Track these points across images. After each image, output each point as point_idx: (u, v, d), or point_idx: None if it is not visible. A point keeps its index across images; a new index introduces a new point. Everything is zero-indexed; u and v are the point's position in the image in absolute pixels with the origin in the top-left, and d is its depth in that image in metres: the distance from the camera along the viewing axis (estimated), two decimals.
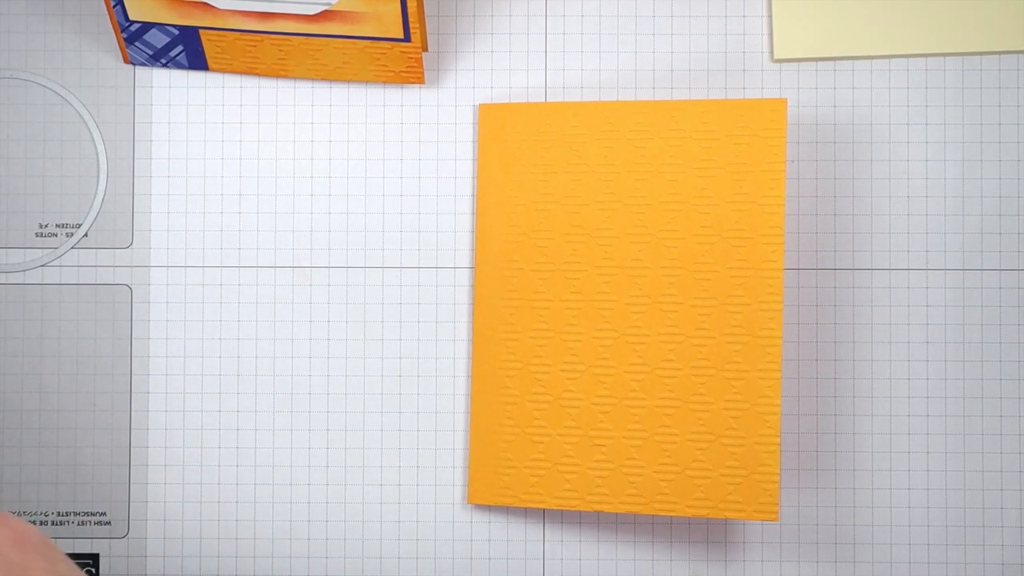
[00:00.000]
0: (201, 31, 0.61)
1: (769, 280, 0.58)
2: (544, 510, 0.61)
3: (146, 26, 0.61)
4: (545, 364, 0.60)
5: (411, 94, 0.63)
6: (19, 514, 0.62)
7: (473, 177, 0.63)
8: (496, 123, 0.62)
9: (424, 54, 0.63)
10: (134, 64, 0.63)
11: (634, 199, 0.60)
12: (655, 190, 0.60)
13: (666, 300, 0.59)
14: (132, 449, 0.62)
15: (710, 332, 0.59)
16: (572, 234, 0.61)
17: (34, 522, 0.62)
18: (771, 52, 0.63)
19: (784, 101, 0.59)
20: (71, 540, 0.62)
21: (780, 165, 0.59)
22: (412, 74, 0.62)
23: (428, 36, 0.63)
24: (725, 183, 0.59)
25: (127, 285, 0.63)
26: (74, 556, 0.62)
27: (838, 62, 0.63)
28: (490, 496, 0.60)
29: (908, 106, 0.63)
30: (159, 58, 0.63)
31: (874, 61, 0.63)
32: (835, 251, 0.63)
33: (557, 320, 0.60)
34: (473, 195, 0.63)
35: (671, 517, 0.62)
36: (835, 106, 0.63)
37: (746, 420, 0.58)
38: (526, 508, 0.61)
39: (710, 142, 0.60)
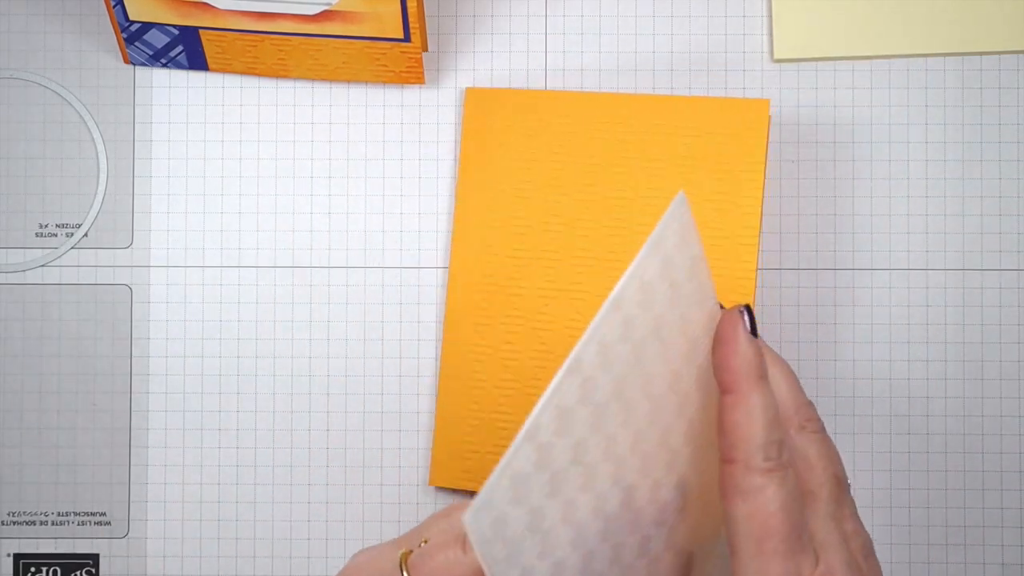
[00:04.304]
0: (201, 31, 0.61)
1: (742, 280, 0.58)
2: None
3: (146, 26, 0.61)
4: (515, 351, 0.60)
5: (411, 94, 0.63)
6: (19, 514, 0.62)
7: None
8: (481, 107, 0.62)
9: (424, 54, 0.63)
10: (134, 64, 0.63)
11: (614, 191, 0.60)
12: (635, 183, 0.60)
13: None
14: (132, 449, 0.62)
15: None
16: (550, 223, 0.61)
17: (34, 522, 0.62)
18: (771, 52, 0.63)
19: (767, 102, 0.59)
20: (71, 540, 0.62)
21: (760, 167, 0.59)
22: (412, 74, 0.62)
23: (428, 36, 0.63)
24: (705, 181, 0.59)
25: (127, 285, 0.63)
26: (74, 556, 0.62)
27: (838, 62, 0.63)
28: (451, 480, 0.60)
29: (908, 106, 0.63)
30: (159, 58, 0.63)
31: (874, 61, 0.63)
32: (835, 251, 0.63)
33: (530, 308, 0.60)
34: None
35: None
36: (835, 106, 0.63)
37: None
38: None
39: (692, 139, 0.59)
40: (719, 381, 0.43)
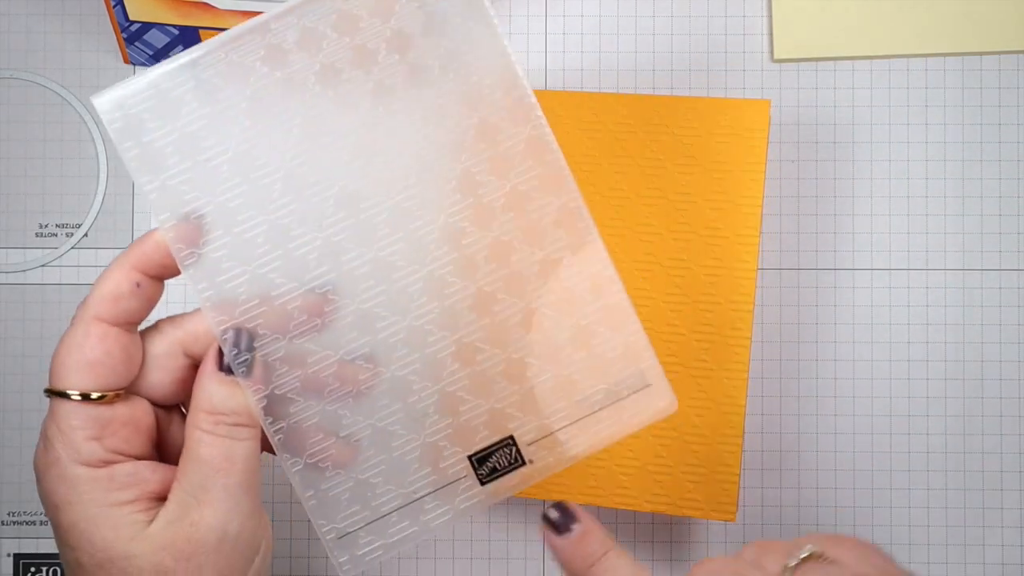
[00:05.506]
0: (201, 31, 0.61)
1: (742, 280, 0.58)
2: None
3: (146, 26, 0.61)
4: None
5: None
6: (19, 514, 0.62)
7: None
8: None
9: None
10: (134, 64, 0.63)
11: (613, 191, 0.60)
12: (634, 184, 0.60)
13: (638, 294, 0.59)
14: None
15: (679, 329, 0.58)
16: None
17: (34, 522, 0.62)
18: (771, 52, 0.63)
19: (767, 102, 0.59)
20: None
21: (760, 166, 0.58)
22: None
23: None
24: (705, 181, 0.59)
25: None
26: None
27: (838, 62, 0.63)
28: None
29: (908, 106, 0.63)
30: (159, 58, 0.63)
31: (874, 61, 0.63)
32: (835, 251, 0.63)
33: None
34: None
35: (635, 515, 0.62)
36: (835, 106, 0.63)
37: (710, 419, 0.57)
38: None
39: (692, 139, 0.59)
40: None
